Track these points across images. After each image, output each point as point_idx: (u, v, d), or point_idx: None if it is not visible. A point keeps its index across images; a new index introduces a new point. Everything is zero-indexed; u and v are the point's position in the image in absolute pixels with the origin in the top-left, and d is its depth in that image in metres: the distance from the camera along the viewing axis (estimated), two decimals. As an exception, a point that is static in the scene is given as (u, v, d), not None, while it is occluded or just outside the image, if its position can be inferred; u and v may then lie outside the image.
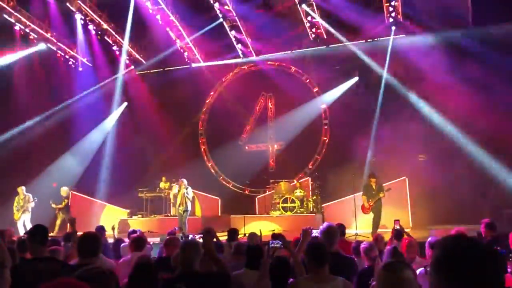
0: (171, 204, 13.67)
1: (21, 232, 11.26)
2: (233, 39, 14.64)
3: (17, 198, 12.29)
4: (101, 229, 7.41)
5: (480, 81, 11.16)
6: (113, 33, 14.82)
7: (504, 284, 1.76)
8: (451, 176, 11.72)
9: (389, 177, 12.01)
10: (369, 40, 13.83)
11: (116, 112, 16.60)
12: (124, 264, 4.77)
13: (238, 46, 15.01)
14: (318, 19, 13.54)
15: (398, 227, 5.26)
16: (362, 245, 4.39)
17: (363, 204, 10.60)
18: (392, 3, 12.77)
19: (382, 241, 4.91)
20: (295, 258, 3.61)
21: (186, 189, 11.74)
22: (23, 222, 11.98)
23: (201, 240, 4.99)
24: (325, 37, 14.34)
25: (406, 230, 6.25)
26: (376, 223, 10.26)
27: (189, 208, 11.86)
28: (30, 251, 3.68)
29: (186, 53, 15.72)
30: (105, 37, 14.80)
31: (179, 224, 11.47)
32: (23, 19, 13.51)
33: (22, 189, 12.32)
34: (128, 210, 14.22)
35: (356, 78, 14.12)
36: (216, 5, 13.25)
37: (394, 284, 2.02)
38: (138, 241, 5.31)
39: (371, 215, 10.41)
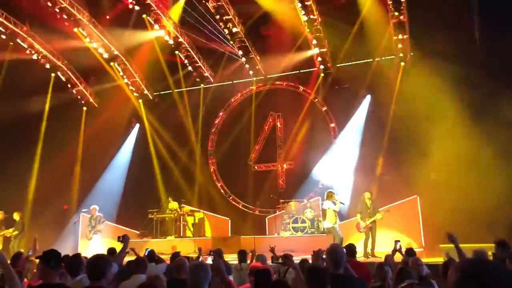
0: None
1: (91, 252, 10.89)
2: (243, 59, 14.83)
3: (89, 217, 11.99)
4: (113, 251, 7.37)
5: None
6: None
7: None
8: (464, 194, 11.52)
9: (400, 196, 11.87)
10: (377, 59, 13.83)
11: (132, 135, 16.90)
12: None
13: (247, 67, 15.16)
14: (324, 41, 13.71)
15: (398, 247, 5.19)
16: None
17: (358, 223, 10.48)
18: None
19: (417, 263, 4.74)
20: (298, 276, 3.60)
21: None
22: (94, 242, 11.63)
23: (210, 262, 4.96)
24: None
25: (417, 250, 6.17)
26: (373, 244, 10.22)
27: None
28: (42, 276, 3.71)
29: (194, 73, 15.94)
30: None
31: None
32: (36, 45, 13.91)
33: (95, 209, 11.91)
34: (139, 232, 14.19)
35: (368, 97, 14.09)
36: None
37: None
38: (136, 262, 4.89)
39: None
